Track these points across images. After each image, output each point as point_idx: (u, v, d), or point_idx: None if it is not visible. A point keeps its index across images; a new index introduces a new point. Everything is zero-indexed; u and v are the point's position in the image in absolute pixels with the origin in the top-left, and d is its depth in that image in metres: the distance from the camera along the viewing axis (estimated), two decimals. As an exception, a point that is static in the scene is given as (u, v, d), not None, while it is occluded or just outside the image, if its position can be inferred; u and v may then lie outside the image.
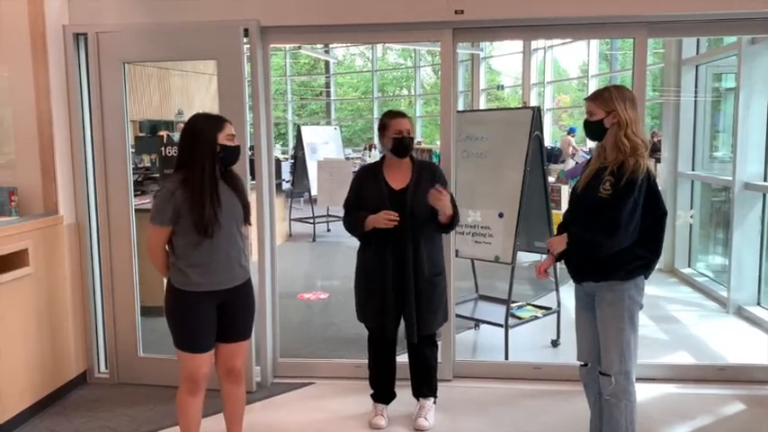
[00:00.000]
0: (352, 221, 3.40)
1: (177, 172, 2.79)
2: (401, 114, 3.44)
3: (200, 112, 2.94)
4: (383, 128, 3.43)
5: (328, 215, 9.88)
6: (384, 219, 3.25)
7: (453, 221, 3.37)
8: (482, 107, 17.60)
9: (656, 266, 2.91)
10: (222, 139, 2.77)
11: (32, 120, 3.85)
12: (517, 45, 16.64)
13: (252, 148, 4.10)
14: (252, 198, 3.12)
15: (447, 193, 3.30)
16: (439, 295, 3.46)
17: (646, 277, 2.87)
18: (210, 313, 2.84)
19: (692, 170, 6.93)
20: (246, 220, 2.93)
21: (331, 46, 21.02)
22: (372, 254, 3.41)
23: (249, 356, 3.82)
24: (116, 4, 3.94)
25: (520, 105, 14.29)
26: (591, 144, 3.65)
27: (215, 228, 2.72)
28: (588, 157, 3.15)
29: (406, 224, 3.29)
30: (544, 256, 3.11)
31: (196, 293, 2.80)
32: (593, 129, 2.85)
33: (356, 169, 3.72)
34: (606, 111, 2.78)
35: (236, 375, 2.99)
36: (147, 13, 3.93)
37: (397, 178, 3.41)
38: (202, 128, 2.79)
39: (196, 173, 2.73)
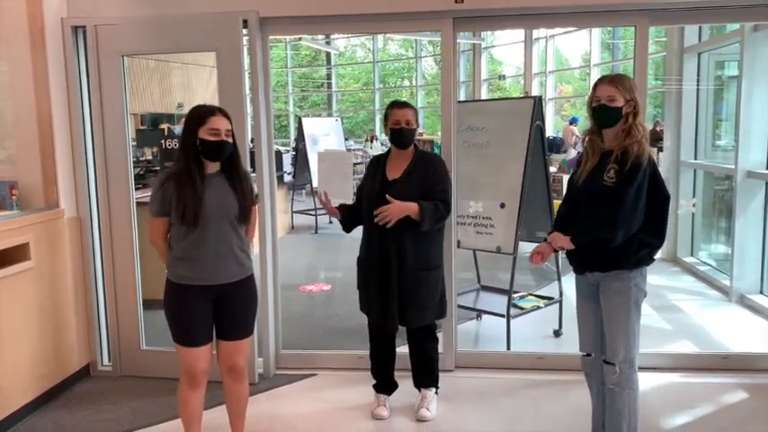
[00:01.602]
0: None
1: (173, 164, 2.82)
2: (402, 105, 3.43)
3: (200, 103, 2.91)
4: (386, 118, 3.45)
5: (330, 207, 9.85)
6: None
7: (424, 219, 3.23)
8: (484, 97, 17.55)
9: (659, 255, 2.91)
10: (203, 133, 2.73)
11: (32, 113, 3.84)
12: (519, 34, 16.57)
13: (252, 140, 4.09)
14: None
15: (391, 204, 3.20)
16: (428, 291, 3.40)
17: (648, 264, 2.87)
18: (203, 308, 2.82)
19: (695, 159, 6.90)
20: (241, 221, 2.85)
21: (332, 37, 20.94)
22: (363, 247, 3.46)
23: (252, 351, 3.82)
24: (114, -4, 3.93)
25: (521, 95, 14.24)
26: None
27: (198, 221, 2.71)
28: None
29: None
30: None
31: (187, 287, 2.80)
32: (612, 115, 2.76)
33: (357, 161, 3.73)
34: (627, 99, 2.76)
35: (238, 373, 2.98)
36: (145, 5, 3.92)
37: (395, 168, 3.41)
38: (188, 121, 2.79)
39: (180, 166, 2.75)
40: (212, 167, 2.81)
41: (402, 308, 3.35)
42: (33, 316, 3.67)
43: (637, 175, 2.68)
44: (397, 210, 3.21)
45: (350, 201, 3.66)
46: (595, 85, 2.84)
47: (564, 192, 3.09)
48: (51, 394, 3.80)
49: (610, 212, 2.71)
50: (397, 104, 3.43)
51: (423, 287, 3.38)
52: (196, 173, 2.74)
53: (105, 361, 4.24)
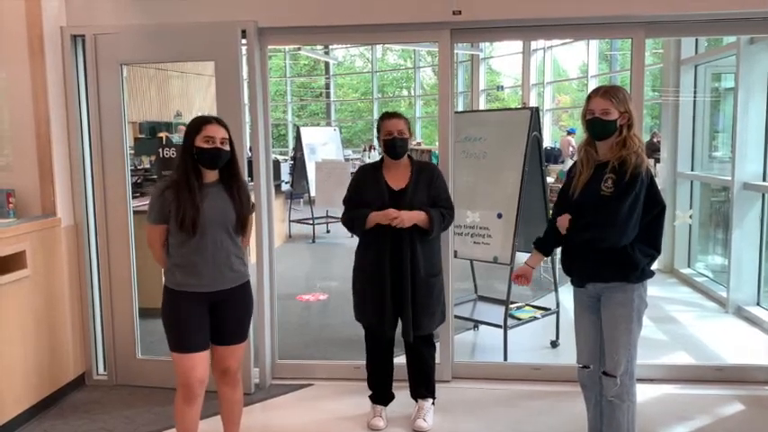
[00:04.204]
0: (354, 218, 3.41)
1: (173, 172, 2.86)
2: (392, 115, 3.44)
3: (201, 114, 2.95)
4: (378, 129, 3.47)
5: (327, 216, 9.88)
6: (388, 216, 3.26)
7: (433, 227, 3.31)
8: (482, 108, 17.60)
9: (656, 266, 2.91)
10: (199, 141, 2.78)
11: (30, 121, 3.84)
12: (517, 45, 16.64)
13: (250, 149, 4.10)
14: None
15: (398, 215, 3.26)
16: (436, 296, 3.46)
17: (650, 276, 2.87)
18: (200, 314, 2.83)
19: (692, 170, 6.93)
20: (239, 229, 2.89)
21: (331, 47, 21.01)
22: (370, 253, 3.41)
23: (247, 358, 3.81)
24: (114, 5, 3.94)
25: (519, 106, 14.29)
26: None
27: (196, 229, 2.73)
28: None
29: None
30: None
31: (183, 293, 2.82)
32: (607, 128, 2.77)
33: (355, 170, 3.73)
34: (621, 111, 2.76)
35: (232, 377, 2.98)
36: (144, 14, 3.93)
37: (397, 179, 3.41)
38: (186, 131, 2.85)
39: (179, 174, 2.79)
40: (211, 176, 2.85)
41: (415, 315, 3.36)
42: (29, 324, 3.65)
43: (635, 186, 2.69)
44: (407, 217, 3.27)
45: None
46: (589, 98, 2.83)
47: (556, 203, 3.09)
48: (46, 403, 3.78)
49: (606, 217, 2.71)
50: (387, 115, 3.45)
51: (433, 293, 3.43)
52: (194, 181, 2.78)
53: (101, 370, 4.22)
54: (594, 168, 2.82)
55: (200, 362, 2.83)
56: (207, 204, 2.78)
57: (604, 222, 2.73)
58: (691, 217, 6.87)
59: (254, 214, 3.06)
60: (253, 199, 3.06)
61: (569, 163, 10.39)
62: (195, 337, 2.83)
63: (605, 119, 2.76)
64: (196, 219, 2.73)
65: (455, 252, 4.38)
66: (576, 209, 2.87)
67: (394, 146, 3.37)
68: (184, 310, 2.81)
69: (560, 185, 3.26)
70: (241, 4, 3.87)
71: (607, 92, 2.80)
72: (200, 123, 2.83)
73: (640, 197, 2.72)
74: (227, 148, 2.83)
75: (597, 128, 2.80)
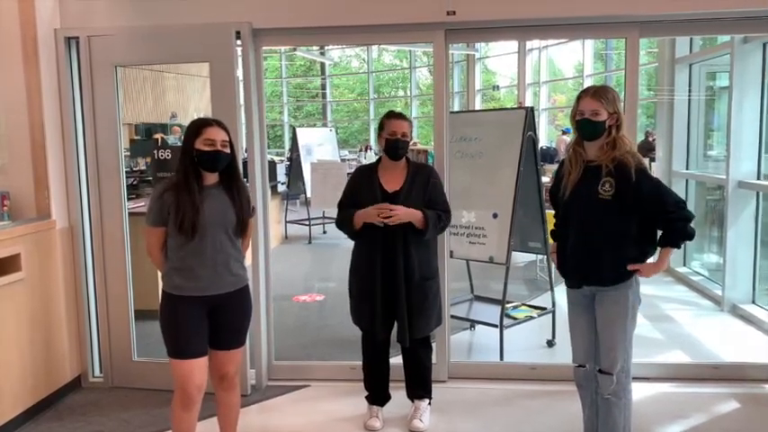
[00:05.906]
0: (343, 218, 3.42)
1: (173, 175, 2.85)
2: (399, 116, 3.43)
3: (200, 116, 2.94)
4: (381, 127, 3.45)
5: (324, 217, 9.86)
6: (374, 213, 3.24)
7: (428, 227, 3.29)
8: (478, 108, 17.61)
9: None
10: (199, 144, 2.77)
11: (24, 124, 3.83)
12: (512, 45, 16.66)
13: (246, 150, 4.10)
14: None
15: (394, 208, 3.23)
16: (432, 299, 3.44)
17: None
18: (197, 318, 2.81)
19: (687, 169, 6.94)
20: (239, 233, 2.89)
21: (327, 47, 21.00)
22: (363, 256, 3.41)
23: (244, 360, 3.81)
24: (108, 7, 3.94)
25: (515, 106, 14.29)
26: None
27: (195, 231, 2.72)
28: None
29: (397, 227, 3.28)
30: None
31: (181, 297, 2.80)
32: (596, 128, 2.78)
33: (351, 170, 3.73)
34: (610, 111, 2.77)
35: (230, 382, 2.97)
36: (138, 15, 3.92)
37: (392, 180, 3.41)
38: (186, 134, 2.84)
39: (179, 177, 2.78)
40: (211, 179, 2.84)
41: (409, 319, 3.35)
42: (24, 327, 3.64)
43: (651, 177, 2.75)
44: (404, 213, 3.25)
45: None
46: (578, 98, 2.84)
47: (550, 203, 3.11)
48: (42, 406, 3.78)
49: (678, 207, 2.73)
50: (394, 115, 3.44)
51: (428, 297, 3.42)
52: (194, 183, 2.76)
53: (97, 372, 4.21)
54: (584, 169, 2.82)
55: (197, 368, 2.81)
56: (207, 206, 2.77)
57: (684, 217, 2.74)
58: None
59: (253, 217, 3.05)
60: (252, 202, 3.05)
61: (565, 162, 10.40)
62: (193, 343, 2.81)
63: (595, 119, 2.77)
64: (195, 221, 2.72)
65: (451, 252, 4.38)
66: (567, 210, 2.89)
67: (396, 147, 3.36)
68: (182, 315, 2.79)
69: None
70: (235, 5, 3.87)
71: (596, 92, 2.81)
72: (199, 126, 2.81)
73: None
74: (227, 150, 2.82)
75: (587, 128, 2.81)
